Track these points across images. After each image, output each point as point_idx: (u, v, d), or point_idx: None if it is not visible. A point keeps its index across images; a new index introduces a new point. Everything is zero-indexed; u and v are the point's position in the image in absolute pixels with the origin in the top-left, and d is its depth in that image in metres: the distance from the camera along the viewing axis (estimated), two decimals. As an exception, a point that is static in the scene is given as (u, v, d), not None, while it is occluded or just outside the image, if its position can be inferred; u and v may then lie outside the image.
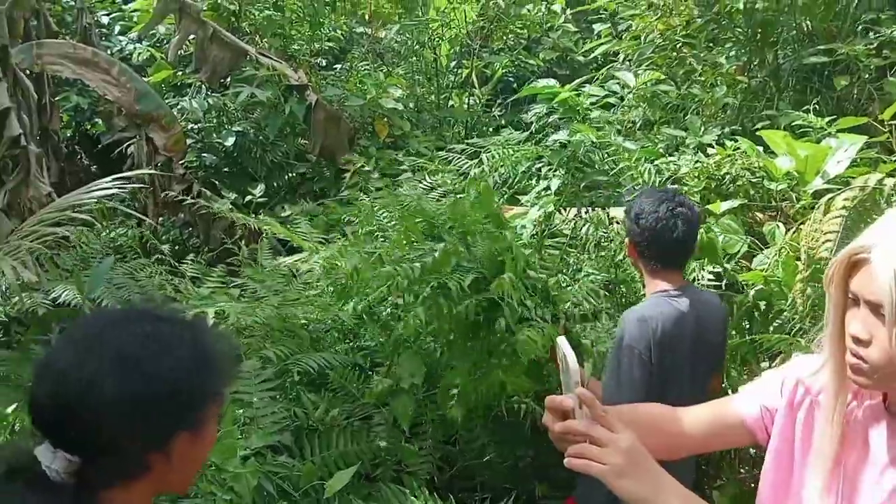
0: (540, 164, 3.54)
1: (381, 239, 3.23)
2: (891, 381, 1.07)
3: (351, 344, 3.25)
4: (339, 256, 2.82)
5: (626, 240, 2.44)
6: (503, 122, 6.18)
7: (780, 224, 2.88)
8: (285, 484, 2.19)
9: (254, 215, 4.63)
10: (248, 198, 5.31)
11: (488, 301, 2.29)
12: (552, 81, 3.66)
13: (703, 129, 4.19)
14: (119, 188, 3.01)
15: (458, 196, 3.21)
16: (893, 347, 1.01)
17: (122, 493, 1.03)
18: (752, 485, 2.84)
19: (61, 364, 1.01)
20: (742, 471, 2.77)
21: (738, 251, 2.59)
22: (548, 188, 3.41)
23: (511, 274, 2.21)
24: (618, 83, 4.07)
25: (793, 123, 3.67)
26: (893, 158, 3.06)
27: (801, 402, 1.23)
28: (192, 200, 3.97)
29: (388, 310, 3.22)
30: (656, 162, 3.35)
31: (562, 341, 1.12)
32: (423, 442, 2.65)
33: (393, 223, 3.04)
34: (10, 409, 2.61)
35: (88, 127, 6.17)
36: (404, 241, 2.49)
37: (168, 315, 1.12)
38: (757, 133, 3.61)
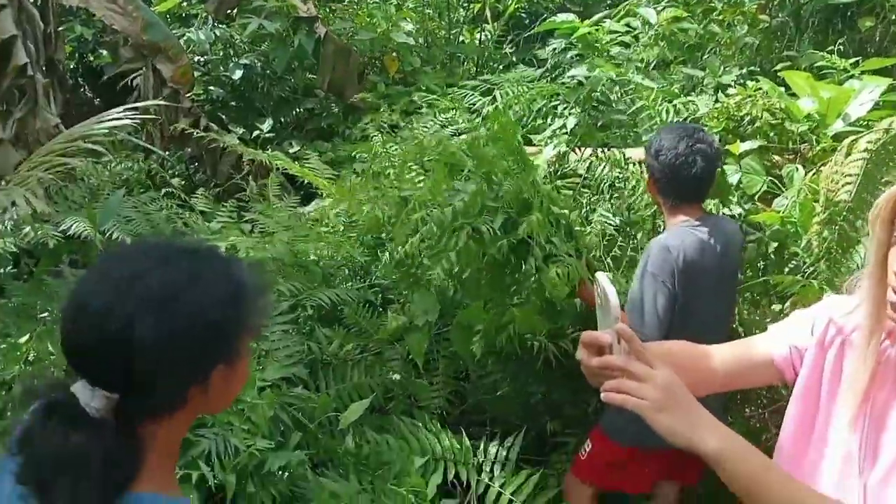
0: (556, 103, 3.48)
1: (393, 178, 3.20)
2: None
3: (363, 280, 3.26)
4: (364, 202, 2.79)
5: (646, 175, 2.47)
6: (515, 58, 6.06)
7: (800, 167, 2.84)
8: (300, 415, 2.22)
9: (261, 150, 4.58)
10: (256, 133, 5.26)
11: (517, 241, 2.30)
12: (570, 16, 3.56)
13: (721, 69, 4.10)
14: (129, 119, 2.96)
15: (478, 133, 3.17)
16: None
17: (162, 426, 1.04)
18: (758, 424, 2.88)
19: (96, 304, 0.99)
20: (747, 410, 2.80)
21: (758, 191, 2.57)
22: (563, 127, 3.36)
23: (538, 213, 2.20)
24: (637, 19, 3.96)
25: (815, 65, 3.59)
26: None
27: (832, 341, 1.23)
28: (201, 133, 3.90)
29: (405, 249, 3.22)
30: (675, 102, 3.29)
31: (601, 276, 1.10)
32: (434, 377, 2.68)
33: (409, 163, 3.01)
34: (23, 340, 2.63)
35: (92, 58, 6.06)
36: (435, 185, 2.45)
37: (202, 249, 1.11)
38: (777, 74, 3.54)
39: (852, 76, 3.22)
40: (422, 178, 3.48)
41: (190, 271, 1.04)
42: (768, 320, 2.59)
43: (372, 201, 3.06)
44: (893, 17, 4.30)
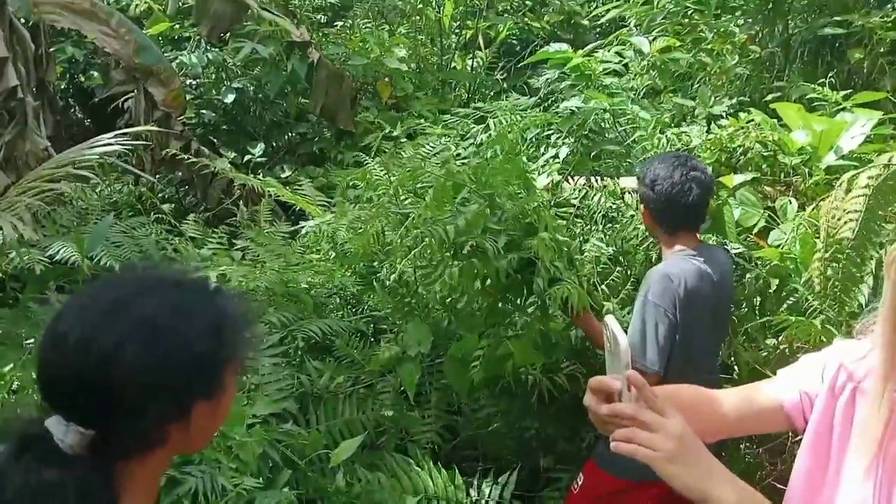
0: (549, 132, 3.48)
1: (388, 203, 3.18)
2: None
3: (355, 310, 3.22)
4: (357, 221, 2.78)
5: (641, 206, 2.46)
6: (506, 85, 6.08)
7: (792, 199, 2.85)
8: (290, 452, 2.17)
9: (252, 175, 4.55)
10: (247, 157, 5.23)
11: (520, 262, 2.30)
12: (564, 46, 3.57)
13: (712, 99, 4.12)
14: (121, 144, 2.93)
15: (481, 157, 3.17)
16: None
17: (139, 463, 0.99)
18: (753, 461, 2.85)
19: (77, 333, 0.95)
20: (742, 447, 2.78)
21: (755, 224, 2.56)
22: (556, 156, 3.35)
23: (545, 234, 2.21)
24: (629, 49, 3.98)
25: (805, 97, 3.61)
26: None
27: (843, 387, 1.20)
28: (192, 159, 3.87)
29: (396, 275, 3.19)
30: (667, 132, 3.29)
31: (610, 320, 1.08)
32: (426, 411, 2.64)
33: (408, 186, 2.99)
34: (7, 369, 2.57)
35: (83, 80, 6.03)
36: (437, 204, 2.45)
37: (187, 280, 1.07)
38: (769, 105, 3.55)
39: (843, 108, 3.24)
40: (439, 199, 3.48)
41: (174, 302, 1.00)
42: (764, 354, 2.57)
43: (366, 223, 3.04)
44: (882, 50, 4.34)
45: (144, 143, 4.34)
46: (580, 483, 2.49)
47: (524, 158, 3.69)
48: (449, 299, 2.79)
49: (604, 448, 2.40)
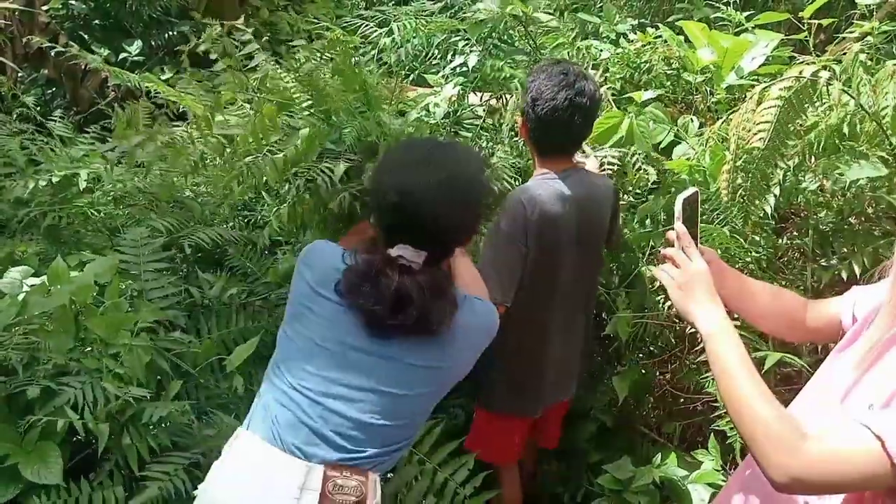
0: (456, 39, 3.33)
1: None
2: None
3: (247, 220, 3.02)
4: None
5: (519, 118, 2.31)
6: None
7: (694, 118, 2.85)
8: (181, 361, 2.01)
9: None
10: (123, 56, 4.77)
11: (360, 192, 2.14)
12: (473, -51, 3.39)
13: (616, 17, 4.07)
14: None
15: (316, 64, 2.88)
16: None
17: (438, 270, 1.56)
18: (644, 372, 2.93)
19: (426, 191, 1.47)
20: (640, 356, 2.84)
21: (663, 140, 2.54)
22: (464, 64, 3.21)
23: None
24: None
25: (710, 17, 3.62)
26: (807, 59, 3.07)
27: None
28: (61, 47, 3.44)
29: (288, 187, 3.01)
30: (577, 44, 3.22)
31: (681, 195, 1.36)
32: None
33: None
34: None
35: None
36: (264, 125, 2.19)
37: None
38: (674, 25, 3.54)
39: (745, 30, 3.26)
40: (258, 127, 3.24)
41: (477, 162, 1.62)
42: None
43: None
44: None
45: (2, 33, 3.86)
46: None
47: (420, 69, 3.54)
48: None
49: (484, 385, 2.41)
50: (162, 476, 1.72)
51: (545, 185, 2.20)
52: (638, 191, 2.73)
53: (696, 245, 1.35)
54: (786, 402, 1.26)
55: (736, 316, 1.53)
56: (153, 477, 1.71)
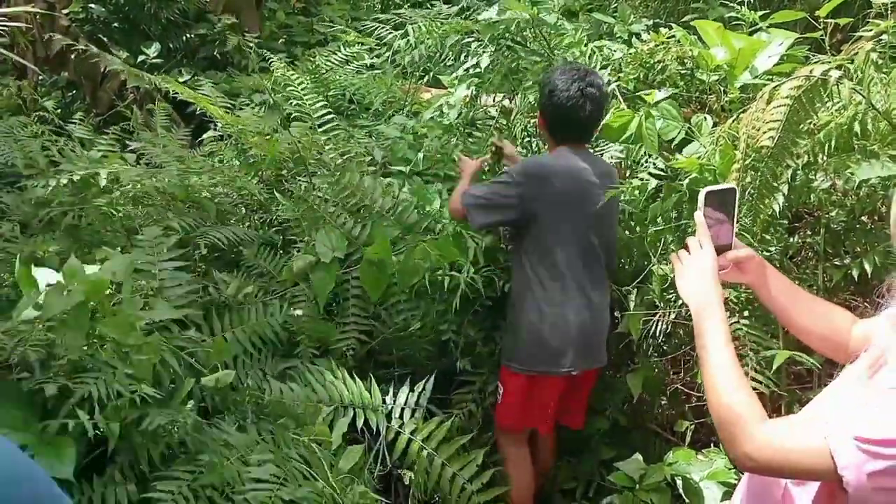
0: (469, 40, 3.35)
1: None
2: None
3: (262, 220, 3.06)
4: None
5: (538, 112, 2.58)
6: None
7: (707, 117, 2.84)
8: (194, 361, 2.03)
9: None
10: (141, 58, 4.84)
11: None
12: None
13: (631, 17, 4.07)
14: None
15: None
16: None
17: None
18: (656, 371, 2.92)
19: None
20: (655, 356, 2.84)
21: (675, 138, 2.54)
22: (477, 66, 3.23)
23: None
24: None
25: (724, 17, 3.60)
26: (822, 58, 3.05)
27: None
28: (80, 47, 3.49)
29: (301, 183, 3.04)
30: (590, 45, 3.22)
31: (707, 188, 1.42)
32: (343, 319, 2.54)
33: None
34: None
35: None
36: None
37: None
38: (688, 24, 3.53)
39: (760, 29, 3.24)
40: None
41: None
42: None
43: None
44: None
45: (25, 26, 3.90)
46: (501, 392, 2.51)
47: (433, 70, 3.57)
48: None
49: (507, 345, 2.52)
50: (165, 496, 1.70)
51: (562, 153, 2.48)
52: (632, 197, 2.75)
53: (732, 237, 1.43)
54: (797, 400, 1.28)
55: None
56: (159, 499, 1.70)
